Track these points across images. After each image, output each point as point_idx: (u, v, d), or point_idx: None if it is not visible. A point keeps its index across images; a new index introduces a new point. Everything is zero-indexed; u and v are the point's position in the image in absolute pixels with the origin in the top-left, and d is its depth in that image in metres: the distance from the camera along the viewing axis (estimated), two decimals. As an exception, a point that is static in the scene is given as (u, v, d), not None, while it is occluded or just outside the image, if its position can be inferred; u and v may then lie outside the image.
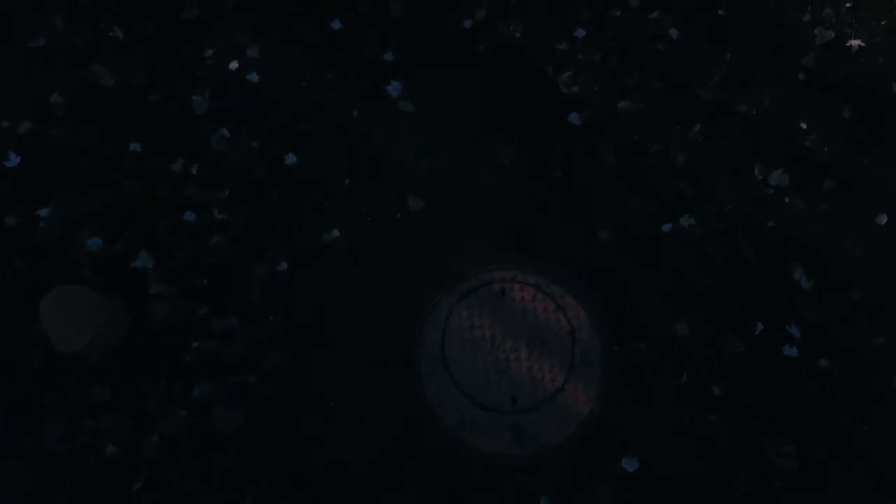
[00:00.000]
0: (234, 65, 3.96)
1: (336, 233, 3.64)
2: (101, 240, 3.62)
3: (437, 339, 3.39)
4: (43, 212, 3.65)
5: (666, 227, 3.66)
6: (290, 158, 3.78)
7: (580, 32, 4.00)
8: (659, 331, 3.49)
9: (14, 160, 3.76)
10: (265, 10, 4.06)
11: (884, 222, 3.55)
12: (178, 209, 3.70)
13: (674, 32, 4.00)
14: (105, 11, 4.05)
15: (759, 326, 3.48)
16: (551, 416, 3.31)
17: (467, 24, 4.02)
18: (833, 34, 3.95)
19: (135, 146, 3.79)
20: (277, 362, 3.45)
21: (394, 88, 3.90)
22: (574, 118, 3.84)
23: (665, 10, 4.04)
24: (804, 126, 3.83)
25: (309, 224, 3.67)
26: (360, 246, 3.65)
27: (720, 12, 4.06)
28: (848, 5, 4.00)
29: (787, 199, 3.70)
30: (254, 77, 3.93)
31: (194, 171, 3.75)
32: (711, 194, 3.73)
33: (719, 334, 3.49)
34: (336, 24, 4.02)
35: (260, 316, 3.50)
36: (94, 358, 3.41)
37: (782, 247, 3.63)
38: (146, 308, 3.50)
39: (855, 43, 3.88)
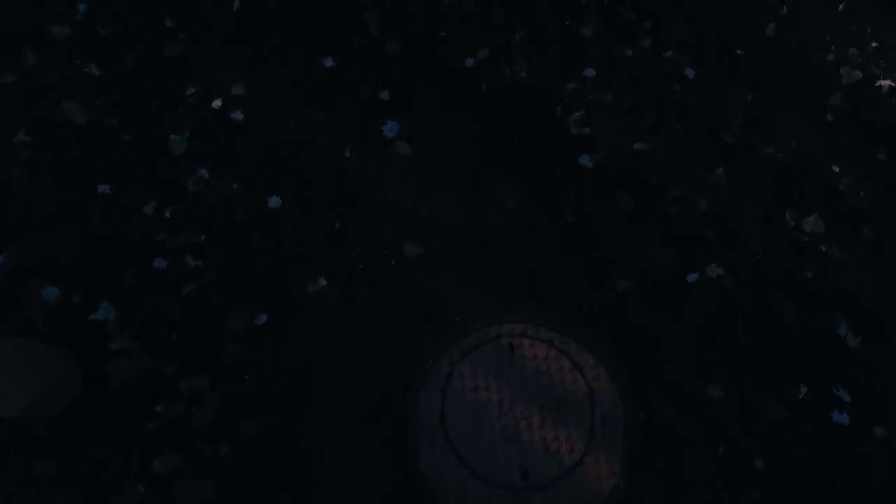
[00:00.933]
0: (216, 103, 3.39)
1: (323, 282, 3.00)
2: (59, 289, 2.96)
3: (436, 402, 2.72)
4: (-6, 257, 3.01)
5: (692, 277, 3.02)
6: (275, 201, 3.16)
7: (589, 72, 3.45)
8: (690, 394, 2.82)
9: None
10: (253, 47, 3.50)
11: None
12: (148, 256, 3.05)
13: (690, 72, 3.46)
14: (81, 47, 3.48)
15: (803, 389, 2.81)
16: (568, 494, 2.61)
17: (468, 62, 3.48)
18: (860, 74, 3.40)
19: (104, 188, 3.18)
20: (252, 429, 2.76)
21: (389, 128, 3.32)
22: (585, 160, 3.26)
23: (680, 49, 3.50)
24: (836, 169, 3.24)
25: (293, 272, 3.03)
26: (349, 297, 3.00)
27: (738, 52, 3.52)
28: (874, 45, 3.46)
29: (823, 248, 3.08)
30: (238, 115, 3.35)
31: (168, 215, 3.13)
32: (740, 242, 3.11)
33: (758, 398, 2.81)
34: (328, 62, 3.47)
35: (234, 376, 2.84)
36: (40, 423, 2.72)
37: (823, 299, 2.99)
38: (104, 366, 2.82)
39: (885, 83, 3.34)
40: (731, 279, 3.12)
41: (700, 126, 3.46)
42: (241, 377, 2.91)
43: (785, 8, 3.71)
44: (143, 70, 3.56)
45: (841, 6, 3.65)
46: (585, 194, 3.30)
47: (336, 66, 3.57)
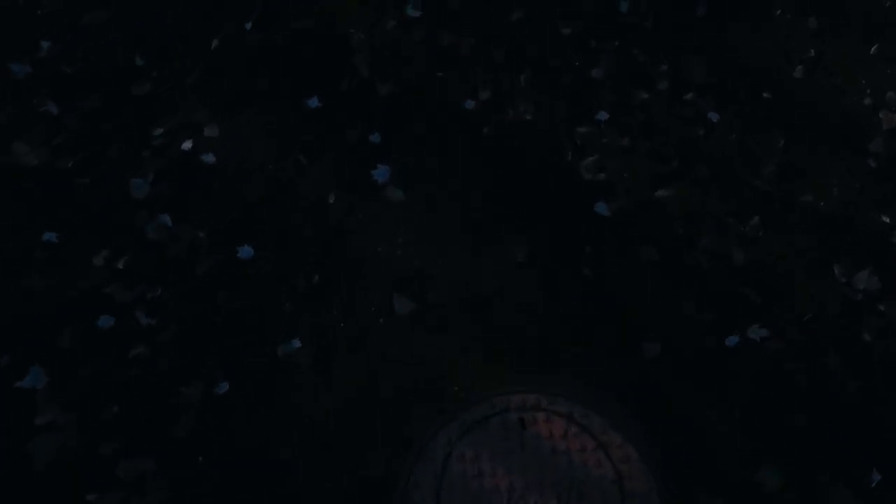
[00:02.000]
0: (187, 144, 2.77)
1: (297, 344, 2.31)
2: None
3: (430, 489, 1.99)
4: None
5: (731, 341, 2.35)
6: (246, 251, 2.49)
7: (602, 115, 2.86)
8: (738, 482, 2.09)
9: None
10: (231, 86, 2.90)
11: None
12: (93, 312, 2.36)
13: (714, 116, 2.87)
14: (41, 85, 2.88)
15: (876, 476, 2.08)
16: None
17: (468, 104, 2.89)
18: (903, 118, 2.83)
19: (49, 236, 2.52)
20: (202, 524, 2.03)
21: (380, 173, 2.69)
22: (602, 208, 2.62)
23: (700, 92, 2.92)
24: (886, 220, 2.59)
25: (262, 333, 2.34)
26: (328, 360, 2.30)
27: (765, 95, 2.94)
28: (915, 87, 2.91)
29: (881, 307, 2.40)
30: (210, 158, 2.73)
31: (120, 266, 2.44)
32: (784, 300, 2.44)
33: (823, 486, 2.08)
34: (314, 102, 2.86)
35: (186, 457, 2.12)
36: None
37: (886, 366, 2.29)
38: (27, 444, 2.09)
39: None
40: (777, 342, 2.43)
41: (729, 173, 2.84)
42: (194, 459, 2.18)
43: (813, 50, 3.15)
44: (106, 109, 2.94)
45: (873, 49, 3.09)
46: (604, 246, 2.64)
47: (322, 107, 2.96)
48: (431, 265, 2.67)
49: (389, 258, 2.69)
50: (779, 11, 3.35)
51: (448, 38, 3.26)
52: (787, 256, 2.70)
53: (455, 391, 2.40)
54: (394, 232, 2.75)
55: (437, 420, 2.32)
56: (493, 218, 2.80)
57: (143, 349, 2.47)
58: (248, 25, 3.27)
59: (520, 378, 2.42)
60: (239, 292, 2.61)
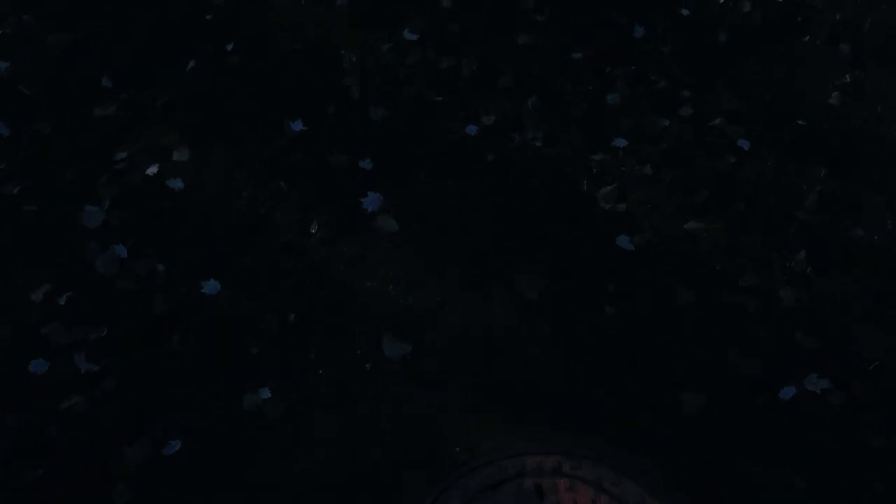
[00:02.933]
0: (152, 169, 2.33)
1: (266, 394, 1.79)
2: None
3: None
4: None
5: (786, 393, 1.86)
6: (212, 286, 2.02)
7: (620, 142, 2.44)
8: None
9: None
10: (207, 107, 2.49)
11: None
12: (24, 355, 1.85)
13: (744, 144, 2.45)
14: None
15: None
16: None
17: (471, 129, 2.49)
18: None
19: None
20: None
21: (370, 201, 2.25)
22: (624, 241, 2.17)
23: (728, 118, 2.50)
24: None
25: (225, 380, 1.83)
26: (302, 415, 1.79)
27: (799, 122, 2.53)
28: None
29: None
30: (177, 184, 2.29)
31: (62, 302, 1.95)
32: (845, 346, 1.95)
33: None
34: (297, 126, 2.44)
35: None
36: None
37: None
38: None
39: None
40: (841, 395, 1.92)
41: (767, 204, 2.40)
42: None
43: (848, 76, 2.75)
44: (64, 132, 2.50)
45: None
46: (629, 283, 2.16)
47: (306, 131, 2.53)
48: (429, 304, 2.17)
49: (379, 295, 2.20)
50: (807, 38, 2.97)
51: (447, 62, 2.86)
52: (841, 296, 2.22)
53: (456, 452, 1.88)
54: (385, 266, 2.27)
55: (435, 489, 1.78)
56: (500, 251, 2.32)
57: (79, 400, 1.95)
58: (230, 47, 2.87)
59: (535, 436, 1.90)
60: (200, 333, 2.10)
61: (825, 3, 3.17)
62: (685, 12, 3.14)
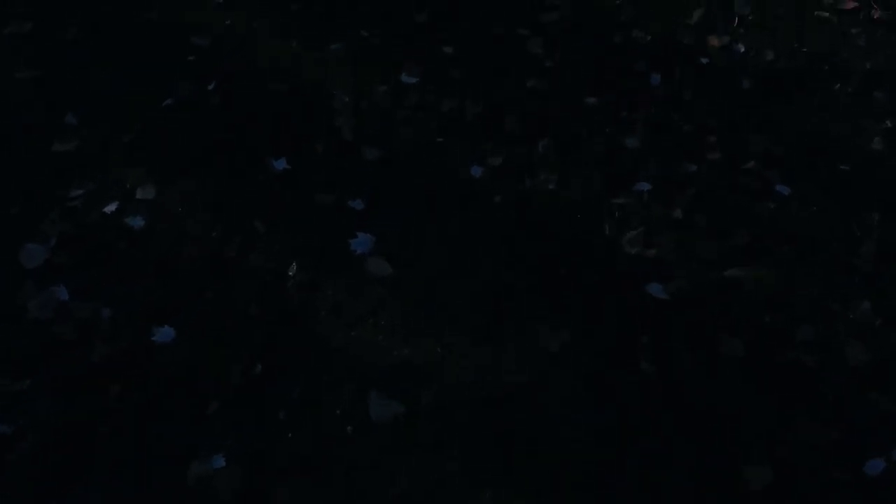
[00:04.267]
0: (111, 207, 1.93)
1: (219, 462, 1.31)
2: None
3: None
4: None
5: (873, 467, 1.37)
6: (165, 333, 1.60)
7: (643, 185, 2.07)
8: None
9: None
10: (181, 143, 2.11)
11: None
12: None
13: (784, 189, 2.09)
14: None
15: None
16: None
17: (476, 171, 2.12)
18: None
19: None
20: None
21: (360, 243, 1.87)
22: (657, 290, 1.77)
23: (763, 162, 2.14)
24: None
25: (170, 443, 1.34)
26: (264, 490, 1.27)
27: (842, 167, 2.17)
28: None
29: None
30: (137, 222, 1.94)
31: None
32: None
33: None
34: (281, 164, 2.07)
35: None
36: None
37: None
38: None
39: None
40: None
41: (816, 251, 1.99)
42: None
43: (889, 122, 2.41)
44: (14, 166, 2.10)
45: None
46: (666, 335, 1.71)
47: (290, 170, 2.14)
48: (428, 356, 1.71)
49: (366, 346, 1.73)
50: (838, 85, 2.66)
51: (449, 104, 2.51)
52: (921, 353, 1.77)
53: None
54: (376, 313, 1.82)
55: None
56: (513, 299, 1.88)
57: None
58: (211, 86, 2.51)
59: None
60: (144, 386, 1.61)
61: (852, 54, 2.87)
62: (704, 60, 2.82)
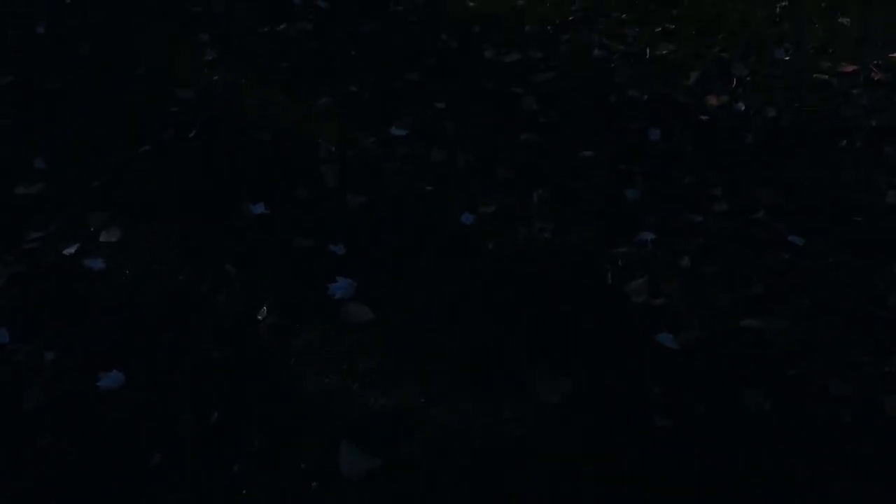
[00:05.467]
0: (70, 249, 1.73)
1: None
2: None
3: None
4: None
5: None
6: (113, 378, 1.38)
7: (647, 235, 1.90)
8: None
9: None
10: (152, 187, 1.96)
11: None
12: None
13: (797, 239, 1.91)
14: None
15: None
16: None
17: (467, 219, 1.94)
18: None
19: None
20: None
21: (340, 287, 1.70)
22: (667, 339, 1.54)
23: (771, 214, 1.98)
24: None
25: (106, 500, 1.05)
26: None
27: (856, 219, 2.01)
28: None
29: None
30: (96, 264, 1.79)
31: None
32: None
33: None
34: (258, 208, 1.90)
35: None
36: None
37: None
38: None
39: None
40: None
41: (838, 301, 1.79)
42: None
43: None
44: None
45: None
46: (680, 387, 1.47)
47: (268, 214, 1.95)
48: (408, 404, 1.46)
49: (339, 394, 1.50)
50: (844, 142, 2.52)
51: (440, 155, 2.35)
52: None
53: None
54: (351, 359, 1.59)
55: None
56: (506, 346, 1.64)
57: None
58: (192, 133, 2.36)
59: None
60: (81, 435, 1.35)
61: (856, 112, 2.74)
62: (704, 117, 2.69)
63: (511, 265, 2.02)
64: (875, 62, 3.03)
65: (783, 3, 3.57)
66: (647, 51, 3.16)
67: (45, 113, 2.61)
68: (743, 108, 2.82)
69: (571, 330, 1.81)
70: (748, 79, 3.00)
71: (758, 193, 2.37)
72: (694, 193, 2.39)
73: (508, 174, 2.40)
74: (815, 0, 3.62)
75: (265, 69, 2.91)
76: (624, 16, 3.47)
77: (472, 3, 3.57)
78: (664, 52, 3.18)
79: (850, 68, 3.03)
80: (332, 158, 2.44)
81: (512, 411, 1.59)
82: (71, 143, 2.41)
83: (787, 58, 3.10)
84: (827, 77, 3.02)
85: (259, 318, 1.80)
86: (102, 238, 2.07)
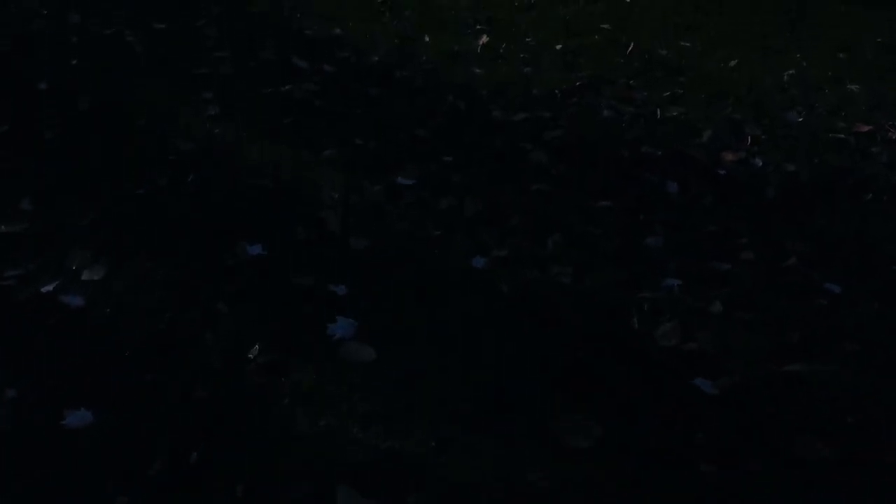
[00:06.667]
0: (49, 287, 1.57)
1: None
2: None
3: None
4: None
5: None
6: (80, 417, 1.19)
7: (672, 282, 1.74)
8: None
9: None
10: (142, 228, 1.82)
11: None
12: None
13: (834, 287, 1.77)
14: None
15: None
16: None
17: (478, 262, 1.78)
18: None
19: None
20: None
21: (341, 327, 1.53)
22: (705, 385, 1.32)
23: (804, 262, 1.84)
24: None
25: None
26: None
27: (894, 268, 1.86)
28: None
29: None
30: (75, 301, 1.58)
31: None
32: None
33: None
34: (256, 250, 1.75)
35: None
36: None
37: None
38: None
39: None
40: None
41: (887, 349, 1.58)
42: None
43: None
44: None
45: None
46: (723, 433, 1.26)
47: (266, 256, 1.80)
48: (416, 448, 1.24)
49: (336, 436, 1.30)
50: (870, 195, 2.39)
51: (448, 202, 2.21)
52: None
53: None
54: (350, 400, 1.38)
55: None
56: (523, 389, 1.44)
57: None
58: (191, 177, 2.24)
59: None
60: (39, 476, 1.13)
61: (877, 169, 2.63)
62: (722, 171, 2.57)
63: (528, 308, 1.82)
64: (889, 123, 2.94)
65: (790, 72, 3.52)
66: (658, 112, 3.06)
67: (37, 158, 2.47)
68: (760, 163, 2.69)
69: (597, 373, 1.60)
70: (763, 137, 2.89)
71: (786, 243, 2.20)
72: (718, 242, 2.23)
73: (520, 222, 2.24)
74: (821, 69, 3.58)
75: (268, 124, 2.81)
76: (631, 82, 3.41)
77: (477, 71, 3.51)
78: (674, 113, 3.09)
79: (866, 128, 2.94)
80: (335, 204, 2.28)
81: (534, 455, 1.35)
82: (61, 186, 2.27)
83: (801, 119, 3.01)
84: (843, 136, 2.92)
85: (250, 356, 1.58)
86: (85, 276, 1.88)
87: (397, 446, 1.36)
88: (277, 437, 1.38)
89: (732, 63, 3.62)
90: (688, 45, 3.82)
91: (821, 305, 1.96)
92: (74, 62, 3.23)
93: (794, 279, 2.07)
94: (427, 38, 3.77)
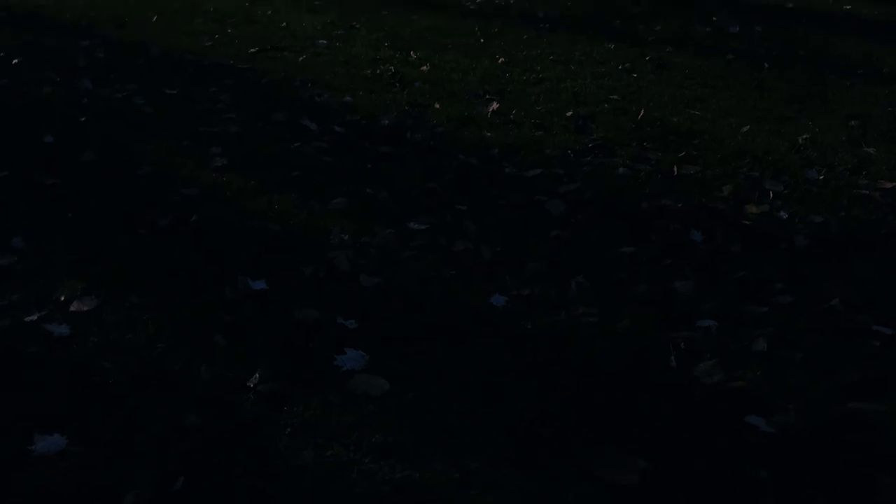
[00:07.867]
0: (32, 317, 1.44)
1: None
2: None
3: None
4: None
5: None
6: (51, 443, 0.98)
7: (707, 321, 1.60)
8: None
9: None
10: (138, 263, 1.72)
11: None
12: None
13: (884, 329, 1.64)
14: None
15: None
16: None
17: (498, 300, 1.65)
18: None
19: None
20: None
21: (349, 359, 1.38)
22: (759, 422, 1.17)
23: (849, 305, 1.72)
24: None
25: None
26: None
27: None
28: None
29: None
30: (60, 329, 1.43)
31: None
32: None
33: None
34: (259, 285, 1.63)
35: None
36: None
37: None
38: None
39: None
40: None
41: None
42: None
43: None
44: None
45: None
46: (787, 473, 1.07)
47: (269, 290, 1.67)
48: (437, 481, 1.04)
49: (345, 469, 1.08)
50: None
51: (463, 245, 2.09)
52: None
53: None
54: (359, 431, 1.19)
55: None
56: (553, 425, 1.26)
57: None
58: (194, 217, 2.13)
59: None
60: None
61: (910, 222, 2.49)
62: (747, 222, 2.45)
63: (553, 345, 1.64)
64: (916, 181, 2.83)
65: (804, 136, 3.45)
66: (675, 169, 2.96)
67: (34, 201, 2.34)
68: (786, 216, 2.56)
69: (635, 408, 1.40)
70: (785, 192, 2.77)
71: (825, 288, 2.03)
72: (751, 287, 2.06)
73: (540, 266, 2.08)
74: (836, 135, 3.51)
75: (276, 175, 2.70)
76: (645, 143, 3.34)
77: (489, 134, 3.45)
78: (691, 171, 2.99)
79: (890, 185, 2.82)
80: (345, 245, 2.14)
81: (575, 493, 1.13)
82: (55, 226, 2.13)
83: (821, 177, 2.91)
84: (868, 192, 2.80)
85: (249, 384, 1.38)
86: (74, 308, 1.71)
87: (415, 478, 1.15)
88: (278, 469, 1.17)
89: (745, 129, 3.56)
90: (698, 113, 3.78)
91: (873, 346, 1.77)
92: (83, 119, 3.16)
93: (839, 321, 1.89)
94: (437, 105, 3.73)
